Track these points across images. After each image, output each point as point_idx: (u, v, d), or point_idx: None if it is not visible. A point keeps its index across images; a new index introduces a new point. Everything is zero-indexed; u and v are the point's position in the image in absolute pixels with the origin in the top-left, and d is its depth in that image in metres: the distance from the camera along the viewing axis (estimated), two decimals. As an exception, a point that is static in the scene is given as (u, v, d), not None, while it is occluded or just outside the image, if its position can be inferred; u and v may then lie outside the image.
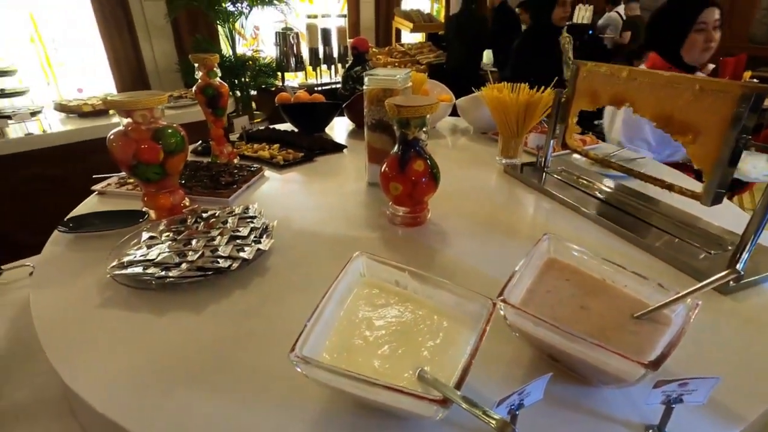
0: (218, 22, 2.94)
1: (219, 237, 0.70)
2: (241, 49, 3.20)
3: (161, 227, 0.76)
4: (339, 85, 2.94)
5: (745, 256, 0.64)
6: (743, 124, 0.61)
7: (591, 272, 0.55)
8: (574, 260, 0.57)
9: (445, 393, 0.35)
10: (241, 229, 0.73)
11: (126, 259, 0.66)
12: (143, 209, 0.84)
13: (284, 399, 0.46)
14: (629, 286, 0.52)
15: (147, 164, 0.77)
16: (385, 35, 4.60)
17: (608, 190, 0.98)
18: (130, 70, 2.99)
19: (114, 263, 0.65)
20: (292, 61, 3.38)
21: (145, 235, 0.73)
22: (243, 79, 3.01)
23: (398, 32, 4.66)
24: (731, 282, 0.64)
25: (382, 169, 0.79)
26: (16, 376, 0.64)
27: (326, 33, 3.61)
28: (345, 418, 0.44)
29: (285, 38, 3.29)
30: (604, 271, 0.54)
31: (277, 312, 0.60)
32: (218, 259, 0.64)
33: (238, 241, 0.70)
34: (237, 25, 3.06)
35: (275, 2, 2.93)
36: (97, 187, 0.99)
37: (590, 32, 5.40)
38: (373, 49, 4.01)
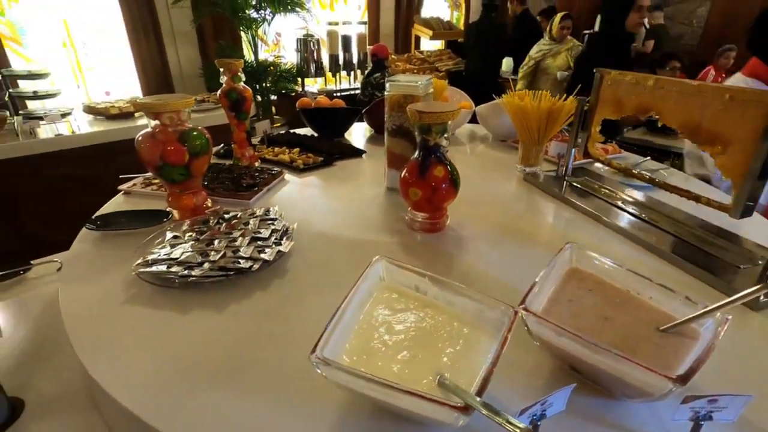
0: (242, 28, 3.00)
1: (240, 238, 0.71)
2: (262, 55, 3.26)
3: (184, 227, 0.77)
4: (358, 91, 2.97)
5: (776, 270, 0.62)
6: (776, 135, 0.60)
7: (614, 283, 0.54)
8: (597, 270, 0.56)
9: (466, 400, 0.35)
10: (262, 230, 0.74)
11: (150, 257, 0.68)
12: (167, 209, 0.86)
13: (303, 401, 0.46)
14: (654, 298, 0.51)
15: (173, 165, 0.79)
16: (404, 42, 4.63)
17: (631, 200, 0.97)
18: (155, 74, 3.08)
19: (139, 261, 0.67)
20: (313, 66, 3.43)
21: (168, 235, 0.75)
22: (264, 84, 3.06)
23: (417, 39, 4.68)
24: (762, 297, 0.62)
25: (402, 175, 0.80)
26: (43, 368, 0.66)
27: (346, 40, 3.65)
28: (363, 422, 0.44)
29: (306, 44, 3.34)
30: (628, 282, 0.53)
31: (297, 313, 0.60)
32: (239, 260, 0.65)
33: (259, 242, 0.71)
34: (260, 31, 3.12)
35: (297, 9, 2.97)
36: (124, 186, 1.02)
37: (612, 41, 5.32)
38: (392, 56, 4.03)
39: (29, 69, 2.47)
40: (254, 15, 2.95)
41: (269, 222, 0.78)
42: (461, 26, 5.02)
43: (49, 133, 2.10)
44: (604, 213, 0.91)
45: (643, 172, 0.94)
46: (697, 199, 0.76)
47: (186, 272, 0.63)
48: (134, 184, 1.04)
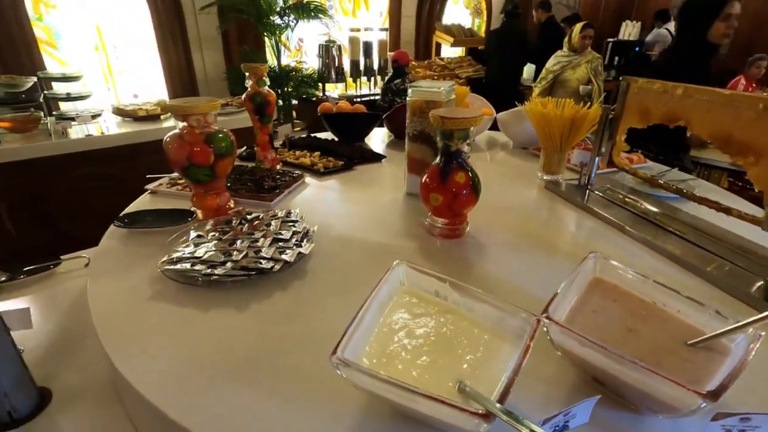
0: (265, 34, 3.06)
1: (262, 239, 0.72)
2: (285, 60, 3.32)
3: (208, 227, 0.79)
4: (378, 97, 2.99)
5: (812, 287, 0.60)
6: (813, 146, 0.58)
7: (640, 294, 0.53)
8: (622, 281, 0.55)
9: (487, 407, 0.35)
10: (283, 232, 0.75)
11: (175, 255, 0.69)
12: (191, 209, 0.88)
13: (320, 402, 0.47)
14: (682, 311, 0.49)
15: (198, 166, 0.81)
16: (424, 49, 4.65)
17: (657, 211, 0.94)
18: (181, 78, 3.16)
19: (164, 258, 0.68)
20: (333, 72, 3.47)
21: (192, 234, 0.76)
22: (286, 89, 3.11)
23: (438, 46, 4.69)
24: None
25: (423, 180, 0.80)
26: (70, 360, 0.68)
27: (367, 46, 3.69)
28: (381, 426, 0.44)
29: (328, 50, 3.38)
30: (654, 294, 0.52)
31: (316, 315, 0.61)
32: (261, 260, 0.66)
33: (280, 243, 0.72)
34: (283, 37, 3.18)
35: (320, 16, 3.02)
36: (150, 186, 1.05)
37: (636, 49, 5.24)
38: (413, 63, 4.05)
39: (63, 72, 2.57)
40: (278, 21, 3.02)
41: (290, 224, 0.79)
42: (482, 33, 5.01)
43: (79, 134, 2.18)
44: (627, 223, 0.89)
45: (669, 182, 0.91)
46: (727, 211, 0.74)
47: (209, 271, 0.64)
48: (160, 184, 1.06)
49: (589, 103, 1.07)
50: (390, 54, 3.71)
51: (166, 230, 0.81)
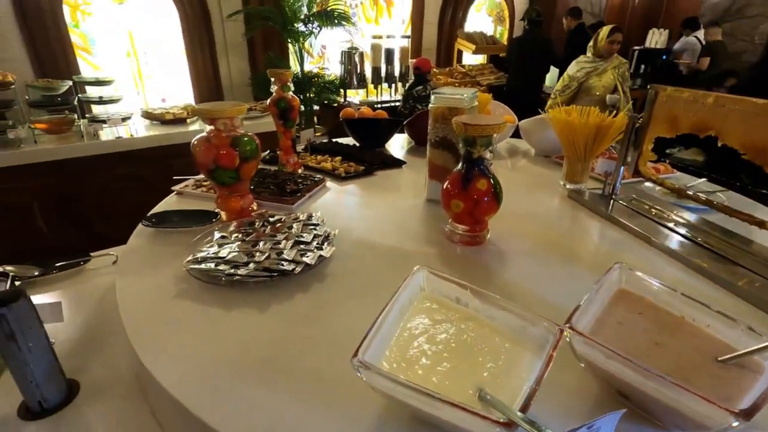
0: (290, 40, 3.12)
1: (284, 241, 0.73)
2: (307, 66, 3.38)
3: (231, 228, 0.80)
4: (398, 103, 3.00)
5: None
6: None
7: (668, 307, 0.51)
8: (648, 293, 0.54)
9: (509, 416, 0.34)
10: (304, 235, 0.76)
11: (200, 255, 0.71)
12: (216, 210, 0.90)
13: (339, 405, 0.47)
14: (712, 326, 0.48)
15: (224, 169, 0.83)
16: (446, 56, 4.65)
17: (685, 222, 0.92)
18: (207, 83, 3.25)
19: (189, 258, 0.70)
20: (355, 78, 3.51)
21: (217, 234, 0.78)
22: (308, 95, 3.16)
23: (459, 53, 4.69)
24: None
25: (444, 186, 0.80)
26: (97, 354, 0.70)
27: (389, 53, 3.72)
28: (399, 431, 0.44)
29: (350, 57, 3.43)
30: (682, 308, 0.50)
31: (335, 318, 0.61)
32: (283, 262, 0.67)
33: (301, 246, 0.73)
34: (306, 44, 3.24)
35: (344, 23, 3.06)
36: (177, 187, 1.08)
37: (663, 57, 5.13)
38: (434, 70, 4.06)
39: (96, 76, 2.67)
40: (302, 28, 3.08)
41: (311, 227, 0.80)
42: (505, 41, 4.99)
43: (109, 136, 2.26)
44: (653, 234, 0.87)
45: (698, 193, 0.89)
46: (761, 224, 0.71)
47: (232, 271, 0.66)
48: (186, 185, 1.09)
49: (614, 112, 1.06)
50: (412, 61, 3.73)
51: (192, 230, 0.83)
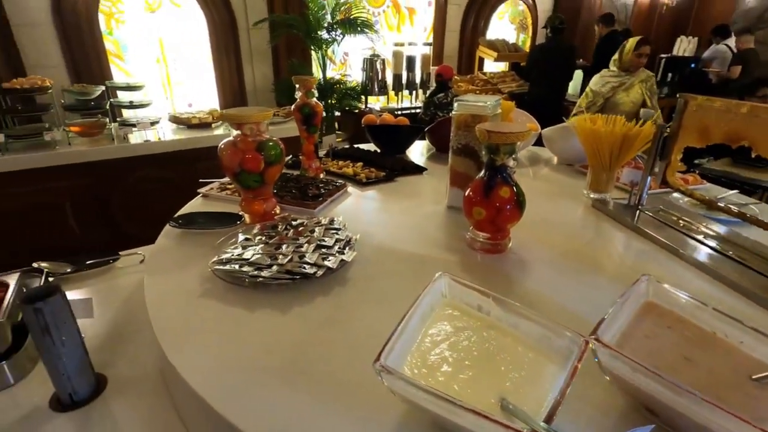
0: (313, 48, 3.18)
1: (306, 244, 0.74)
2: (329, 73, 3.42)
3: (255, 230, 0.82)
4: (419, 110, 3.01)
5: None
6: None
7: (698, 322, 0.50)
8: (677, 307, 0.52)
9: (533, 426, 0.34)
10: (326, 239, 0.77)
11: (224, 256, 0.72)
12: (240, 213, 0.92)
13: (359, 408, 0.47)
14: (746, 343, 0.46)
15: (249, 172, 0.85)
16: (467, 63, 4.65)
17: (715, 235, 0.89)
18: (232, 88, 3.32)
19: (214, 259, 0.72)
20: (376, 85, 3.54)
21: (241, 237, 0.80)
22: (330, 101, 3.20)
23: (481, 60, 4.68)
24: None
25: (466, 193, 0.79)
26: (124, 349, 0.72)
27: (411, 60, 3.74)
28: (419, 437, 0.44)
29: (372, 64, 3.46)
30: (714, 323, 0.49)
31: (356, 322, 0.62)
32: (305, 265, 0.68)
33: (323, 250, 0.74)
34: (329, 51, 3.28)
35: (366, 31, 3.10)
36: (202, 190, 1.11)
37: (692, 65, 5.00)
38: (455, 77, 4.06)
39: (128, 82, 2.77)
40: (325, 36, 3.12)
41: (333, 231, 0.80)
42: (527, 48, 4.95)
43: (138, 139, 2.34)
44: (681, 246, 0.84)
45: (730, 206, 0.86)
46: (797, 238, 0.68)
47: (256, 272, 0.67)
48: (211, 188, 1.12)
49: (641, 121, 1.04)
50: (433, 68, 3.74)
51: (217, 232, 0.85)
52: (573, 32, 4.96)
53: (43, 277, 0.84)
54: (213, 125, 2.65)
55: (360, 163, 1.32)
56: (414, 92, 3.88)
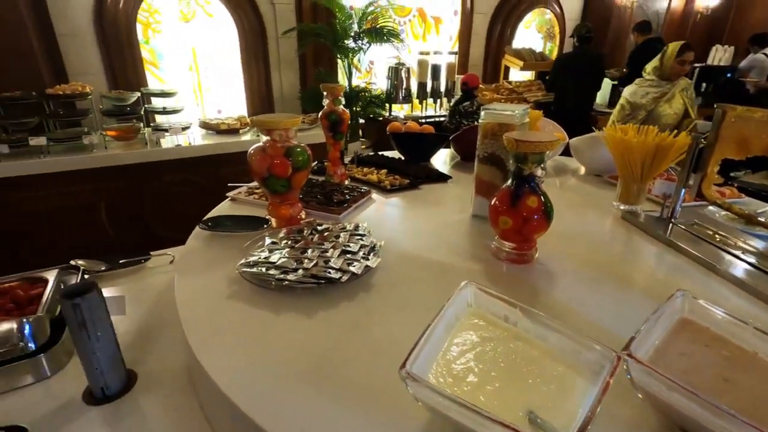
0: (339, 56, 3.23)
1: (331, 249, 0.75)
2: (355, 81, 3.46)
3: (281, 234, 0.83)
4: (443, 118, 3.00)
5: None
6: None
7: (737, 341, 0.48)
8: (715, 324, 0.50)
9: (563, 441, 0.33)
10: (351, 244, 0.77)
11: (251, 258, 0.74)
12: (267, 217, 0.94)
13: (383, 415, 0.47)
14: (791, 365, 0.44)
15: (277, 177, 0.87)
16: (492, 72, 4.62)
17: (754, 250, 0.85)
18: (260, 96, 3.40)
19: (242, 261, 0.73)
20: (401, 93, 3.56)
21: (267, 240, 0.81)
22: (354, 108, 3.24)
23: (506, 69, 4.65)
24: None
25: (492, 202, 0.79)
26: (152, 347, 0.74)
27: (436, 69, 3.75)
28: (443, 447, 0.43)
29: (397, 73, 3.48)
30: (755, 342, 0.47)
31: (380, 328, 0.62)
32: (330, 270, 0.69)
33: (348, 255, 0.74)
34: (355, 59, 3.33)
35: (392, 40, 3.13)
36: (231, 193, 1.13)
37: (728, 75, 4.83)
38: (480, 86, 4.03)
39: (162, 88, 2.88)
40: (352, 45, 3.17)
41: (358, 237, 0.81)
42: (554, 57, 4.89)
43: (170, 144, 2.42)
44: (718, 261, 0.81)
45: (771, 220, 0.83)
46: None
47: (282, 276, 0.68)
48: (239, 192, 1.15)
49: (675, 131, 1.01)
50: (458, 76, 3.73)
51: (244, 235, 0.87)
52: (602, 41, 4.87)
53: (80, 275, 0.88)
54: (240, 131, 2.71)
55: (384, 170, 1.32)
56: (438, 100, 3.88)
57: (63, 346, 0.70)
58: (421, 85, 3.73)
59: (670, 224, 0.97)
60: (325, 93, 1.15)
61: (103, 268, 0.98)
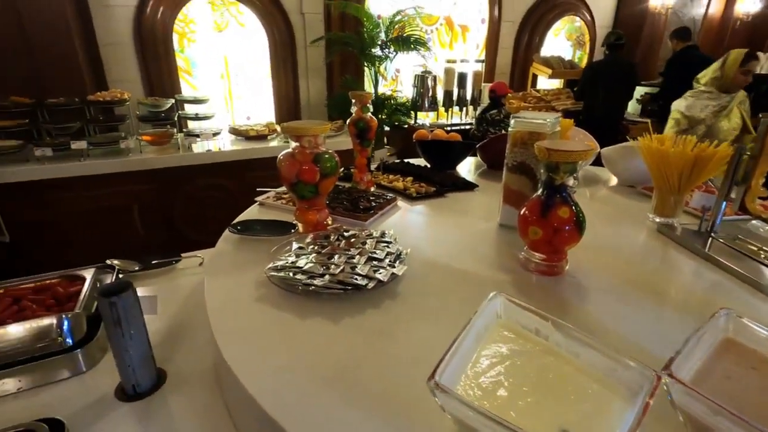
0: (366, 64, 3.26)
1: (358, 256, 0.75)
2: (381, 89, 3.49)
3: (308, 240, 0.84)
4: (468, 127, 2.98)
5: None
6: None
7: (788, 365, 0.45)
8: (763, 346, 0.47)
9: (601, 464, 0.32)
10: (377, 251, 0.77)
11: (279, 263, 0.75)
12: (294, 222, 0.95)
13: (408, 424, 0.46)
14: None
15: (305, 183, 0.88)
16: (520, 80, 4.57)
17: (804, 269, 0.80)
18: (288, 103, 3.48)
19: (270, 265, 0.74)
20: (426, 101, 3.56)
21: (295, 245, 0.82)
22: (380, 116, 3.26)
23: (534, 77, 4.59)
24: None
25: (522, 212, 0.77)
26: (181, 346, 0.76)
27: (462, 77, 3.74)
28: (471, 462, 0.42)
29: (423, 81, 3.49)
30: (809, 368, 0.44)
31: (405, 337, 0.61)
32: (356, 276, 0.69)
33: (374, 262, 0.74)
34: (381, 67, 3.36)
35: (419, 48, 3.14)
36: (259, 198, 1.16)
37: (771, 84, 4.61)
38: (507, 94, 4.00)
39: (195, 95, 2.98)
40: (378, 53, 3.20)
41: (384, 244, 0.81)
42: (584, 65, 4.80)
43: (201, 149, 2.50)
44: (762, 278, 0.77)
45: (823, 237, 0.78)
46: None
47: (308, 281, 0.68)
48: (267, 197, 1.17)
49: (716, 141, 0.97)
50: (485, 85, 3.71)
51: (272, 239, 0.88)
52: (634, 49, 4.75)
53: (115, 274, 0.91)
54: (268, 137, 2.77)
55: (410, 178, 1.32)
56: (464, 108, 3.86)
57: (98, 343, 0.72)
58: (447, 93, 3.72)
59: (710, 238, 0.93)
60: (353, 100, 1.16)
61: (137, 268, 1.01)
